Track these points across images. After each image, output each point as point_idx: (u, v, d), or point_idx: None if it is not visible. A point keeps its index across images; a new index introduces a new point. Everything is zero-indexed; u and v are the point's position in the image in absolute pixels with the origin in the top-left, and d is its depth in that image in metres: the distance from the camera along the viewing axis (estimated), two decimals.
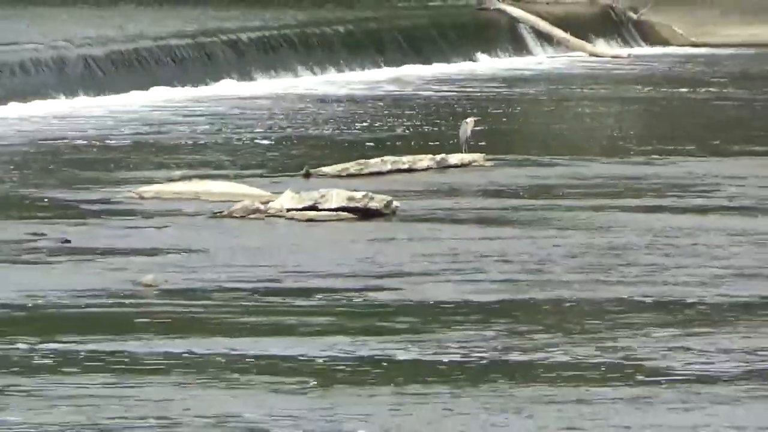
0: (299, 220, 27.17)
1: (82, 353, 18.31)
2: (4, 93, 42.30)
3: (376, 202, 27.47)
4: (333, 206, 27.45)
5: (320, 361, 17.84)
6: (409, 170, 31.86)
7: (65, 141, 37.31)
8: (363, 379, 17.24)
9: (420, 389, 16.44)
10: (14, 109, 41.24)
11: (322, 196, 27.84)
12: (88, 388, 16.46)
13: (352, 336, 19.32)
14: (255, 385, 16.61)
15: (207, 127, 40.48)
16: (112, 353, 18.27)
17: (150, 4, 69.57)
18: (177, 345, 18.79)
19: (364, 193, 28.06)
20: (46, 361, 17.83)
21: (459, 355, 18.28)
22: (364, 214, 27.26)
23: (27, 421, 14.35)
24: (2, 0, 73.72)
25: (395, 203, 27.57)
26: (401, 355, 18.33)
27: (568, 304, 21.36)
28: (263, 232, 26.56)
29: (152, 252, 24.56)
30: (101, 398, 15.89)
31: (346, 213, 27.27)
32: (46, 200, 30.06)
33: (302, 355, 18.26)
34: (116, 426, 14.72)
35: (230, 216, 27.55)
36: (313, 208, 27.38)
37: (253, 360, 17.99)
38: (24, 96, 42.15)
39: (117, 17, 61.35)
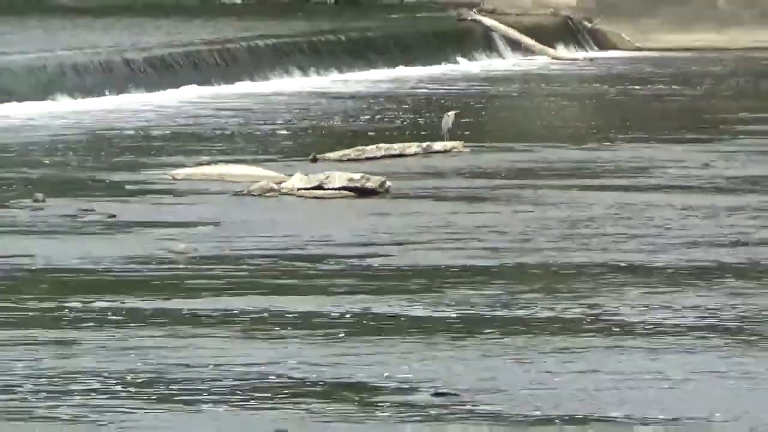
0: (307, 198, 27.36)
1: (144, 310, 18.55)
2: (65, 90, 42.41)
3: (372, 183, 27.63)
4: (336, 186, 27.66)
5: (348, 316, 18.16)
6: (400, 155, 32.14)
7: (113, 131, 37.47)
8: (382, 331, 17.59)
9: (428, 339, 16.90)
10: (72, 105, 41.37)
11: (327, 177, 28.05)
12: (151, 339, 16.89)
13: (369, 294, 19.51)
14: (293, 338, 16.99)
15: (229, 120, 40.70)
16: (166, 310, 18.53)
17: (181, 16, 69.16)
18: (221, 303, 19.02)
19: (361, 174, 28.25)
20: (114, 317, 18.06)
21: (459, 311, 18.56)
22: (362, 192, 27.45)
23: (101, 368, 14.90)
24: (52, 11, 74.13)
25: (388, 183, 27.78)
26: (411, 312, 18.55)
27: (550, 268, 21.56)
28: (277, 208, 26.69)
29: (184, 224, 24.73)
30: (164, 348, 16.25)
31: (346, 191, 27.48)
32: (97, 181, 30.07)
33: (330, 312, 18.45)
34: (180, 371, 15.28)
35: (249, 194, 27.78)
36: (319, 187, 27.59)
37: (290, 316, 18.24)
38: (81, 93, 42.40)
39: (153, 27, 61.47)
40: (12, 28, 61.52)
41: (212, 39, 53.95)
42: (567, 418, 12.87)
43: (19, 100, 41.20)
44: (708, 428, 13.19)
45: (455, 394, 13.80)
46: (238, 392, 14.18)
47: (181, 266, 21.59)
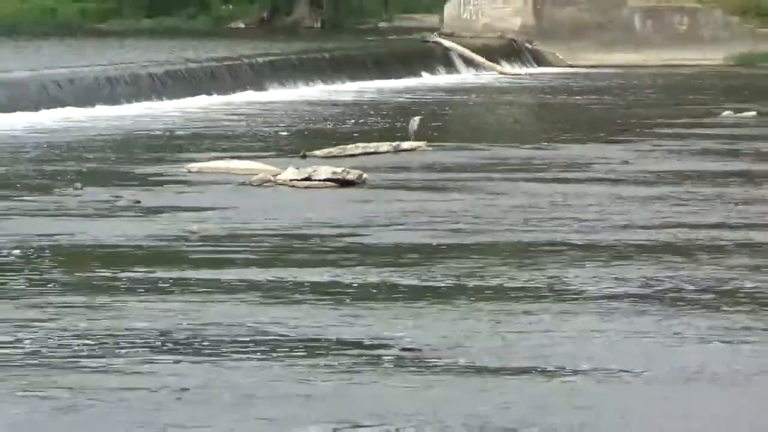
0: (298, 187, 27.51)
1: (178, 279, 18.63)
2: (101, 99, 42.52)
3: (352, 175, 27.78)
4: (321, 177, 27.72)
5: (354, 285, 18.17)
6: (374, 153, 32.39)
7: (141, 133, 37.68)
8: (377, 297, 17.59)
9: (415, 304, 16.96)
10: (108, 110, 41.40)
11: (314, 171, 28.19)
12: (187, 303, 17.03)
13: (363, 266, 19.57)
14: (307, 301, 17.15)
15: (236, 123, 41.00)
16: (197, 279, 18.60)
17: (195, 38, 69.11)
18: (237, 274, 19.05)
19: (343, 168, 28.40)
20: (151, 284, 18.11)
21: (439, 280, 18.63)
22: (343, 183, 27.59)
23: (150, 326, 15.23)
24: (90, 33, 74.21)
25: (365, 175, 27.91)
26: (401, 281, 18.60)
27: (510, 245, 21.68)
28: (274, 196, 26.83)
29: (196, 209, 24.78)
30: (198, 311, 16.43)
31: (330, 183, 27.60)
32: (127, 173, 30.32)
33: (337, 281, 18.51)
34: (220, 327, 15.59)
35: (250, 184, 27.94)
36: (307, 179, 27.73)
37: (302, 285, 18.26)
38: (113, 101, 42.57)
39: (172, 47, 61.68)
40: (57, 47, 61.85)
41: (222, 56, 54.42)
42: (519, 369, 13.15)
43: (63, 106, 41.15)
44: (639, 376, 13.19)
45: (431, 349, 14.00)
46: (261, 346, 14.52)
47: (196, 243, 21.55)
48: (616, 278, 19.02)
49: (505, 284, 18.41)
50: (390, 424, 11.85)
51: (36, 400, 12.63)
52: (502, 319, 16.40)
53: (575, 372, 13.37)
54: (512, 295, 17.79)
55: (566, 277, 18.99)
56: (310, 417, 11.76)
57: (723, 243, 21.32)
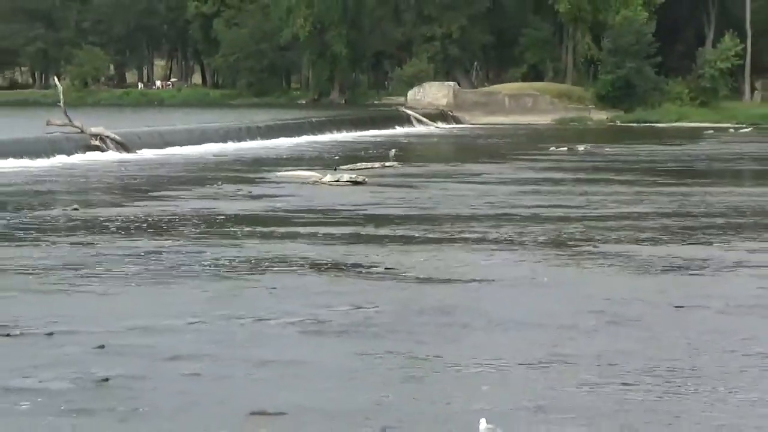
0: (332, 185, 26.83)
1: (269, 231, 18.60)
2: (234, 138, 41.86)
3: (360, 179, 27.31)
4: (344, 180, 27.31)
5: (357, 234, 18.29)
6: (371, 167, 31.49)
7: (252, 156, 36.72)
8: (375, 241, 17.48)
9: (397, 245, 17.09)
10: (237, 145, 41.15)
11: (340, 176, 27.76)
12: (274, 244, 17.08)
13: (368, 225, 19.35)
14: (339, 243, 17.34)
15: (301, 152, 40.23)
16: (277, 231, 18.61)
17: (275, 108, 67.52)
18: (301, 229, 18.92)
19: (355, 175, 27.99)
20: (254, 234, 18.21)
21: (410, 232, 18.50)
22: (355, 183, 26.97)
23: (257, 254, 15.72)
24: (225, 107, 74.89)
25: (366, 179, 27.40)
26: (389, 233, 18.49)
27: (444, 214, 21.25)
28: (319, 189, 26.25)
29: (278, 197, 24.29)
30: (281, 247, 16.66)
31: (349, 183, 26.97)
32: (250, 177, 29.58)
33: (348, 231, 18.54)
34: (274, 258, 15.57)
35: (306, 183, 27.45)
36: (337, 181, 27.22)
37: (335, 235, 18.16)
38: (240, 139, 42.27)
39: (266, 112, 61.23)
40: (213, 114, 61.57)
41: (294, 117, 53.44)
42: (439, 279, 13.72)
43: (221, 141, 40.87)
44: (494, 283, 13.62)
45: (398, 268, 14.48)
46: (299, 265, 14.82)
47: (277, 214, 21.37)
48: (494, 229, 18.93)
49: (441, 235, 18.23)
50: (369, 302, 12.33)
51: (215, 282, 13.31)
52: (437, 250, 16.59)
53: (472, 281, 13.69)
54: (445, 239, 17.77)
55: (470, 230, 18.98)
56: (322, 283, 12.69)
57: (545, 213, 20.90)
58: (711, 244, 16.68)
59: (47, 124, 34.86)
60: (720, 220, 19.80)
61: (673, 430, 7.31)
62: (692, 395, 8.22)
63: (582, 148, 39.74)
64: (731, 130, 52.44)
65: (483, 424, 6.87)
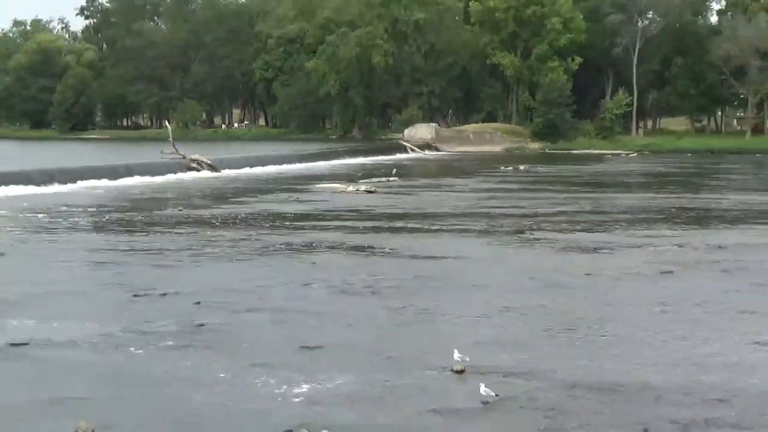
0: (354, 194, 25.95)
1: (311, 225, 17.96)
2: (277, 162, 39.85)
3: (372, 189, 26.56)
4: (362, 189, 26.49)
5: (374, 227, 17.68)
6: (378, 181, 30.28)
7: (295, 174, 35.32)
8: (382, 230, 17.00)
9: (395, 233, 16.54)
10: (292, 167, 39.38)
11: (359, 187, 26.98)
12: (314, 234, 16.46)
13: (377, 221, 18.73)
14: (358, 232, 16.68)
15: (332, 171, 38.28)
16: (319, 225, 18.00)
17: (316, 141, 64.16)
18: (333, 224, 18.21)
19: (369, 186, 27.26)
20: (300, 227, 17.64)
21: (408, 224, 17.96)
22: (368, 192, 26.07)
23: (301, 241, 15.22)
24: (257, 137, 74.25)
25: (376, 189, 26.61)
26: (391, 225, 18.03)
27: (430, 213, 20.52)
28: (345, 196, 25.31)
29: (316, 201, 23.51)
30: (319, 236, 15.95)
31: (365, 192, 26.12)
32: (294, 187, 28.33)
33: (370, 225, 17.94)
34: (326, 241, 15.18)
35: (336, 192, 26.31)
36: (357, 190, 26.39)
37: (357, 228, 17.50)
38: (280, 163, 39.89)
39: (308, 145, 58.61)
40: (253, 144, 60.11)
41: (326, 148, 51.71)
42: (421, 256, 13.34)
43: (273, 164, 39.06)
44: (462, 259, 13.32)
45: (398, 249, 14.05)
46: (331, 247, 14.46)
47: (320, 213, 20.68)
48: (465, 222, 18.60)
49: (428, 227, 17.86)
50: (379, 272, 12.13)
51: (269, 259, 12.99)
52: (424, 237, 16.31)
53: (448, 257, 13.46)
54: (431, 229, 17.39)
55: (448, 223, 18.62)
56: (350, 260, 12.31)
57: (500, 211, 20.59)
58: (614, 231, 16.63)
59: (161, 153, 35.10)
60: (621, 216, 19.65)
61: (581, 346, 7.86)
62: (595, 328, 8.74)
63: (522, 168, 38.75)
64: (623, 155, 52.23)
65: (456, 353, 7.03)
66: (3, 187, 24.03)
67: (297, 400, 6.14)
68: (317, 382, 6.56)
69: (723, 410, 5.94)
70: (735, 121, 65.60)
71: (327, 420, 5.60)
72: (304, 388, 6.42)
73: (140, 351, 7.68)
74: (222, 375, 6.80)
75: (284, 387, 6.44)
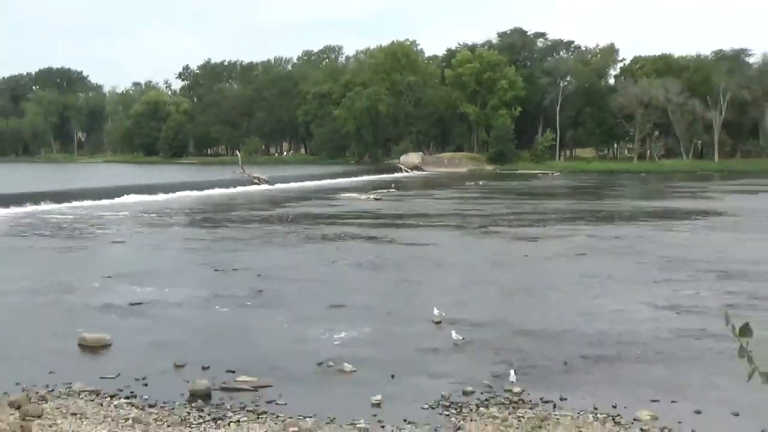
0: (366, 200, 24.99)
1: (341, 223, 17.13)
2: (313, 178, 37.40)
3: (378, 197, 25.61)
4: (371, 197, 25.50)
5: (382, 223, 16.97)
6: (383, 192, 29.14)
7: (326, 188, 33.19)
8: (385, 224, 16.38)
9: (396, 229, 15.87)
10: (316, 183, 36.36)
11: (369, 196, 25.99)
12: (341, 227, 15.81)
13: (383, 219, 18.07)
14: (366, 226, 16.07)
15: (351, 185, 35.91)
16: (348, 221, 17.25)
17: (337, 165, 61.12)
18: (353, 222, 17.46)
19: (376, 195, 26.40)
20: (331, 224, 17.03)
21: (405, 223, 17.21)
22: (376, 199, 25.11)
23: (332, 232, 14.48)
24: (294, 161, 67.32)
25: (381, 197, 25.68)
26: (393, 222, 17.34)
27: (419, 213, 19.92)
28: (359, 202, 24.47)
29: (340, 206, 22.78)
30: (343, 229, 15.30)
31: (373, 199, 25.09)
32: (325, 197, 26.80)
33: (378, 222, 17.35)
34: (347, 233, 14.63)
35: (353, 199, 25.26)
36: (368, 198, 25.35)
37: (369, 225, 16.83)
38: (317, 180, 36.99)
39: (331, 168, 54.46)
40: (296, 167, 55.32)
41: (346, 169, 49.27)
42: (413, 243, 12.45)
43: (301, 182, 36.10)
44: (441, 246, 12.87)
45: (396, 238, 13.49)
46: (351, 237, 13.90)
47: (342, 212, 19.94)
48: (443, 220, 18.10)
49: (416, 222, 17.49)
50: (383, 254, 11.77)
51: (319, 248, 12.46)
52: (414, 230, 15.75)
53: (430, 244, 13.21)
54: (419, 225, 16.96)
55: (431, 220, 18.05)
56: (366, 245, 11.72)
57: (468, 213, 20.09)
58: (545, 227, 16.57)
59: (233, 172, 35.25)
60: (550, 216, 19.53)
61: (521, 305, 7.89)
62: (531, 292, 8.81)
63: (481, 183, 38.11)
64: (550, 174, 51.29)
65: (435, 310, 7.30)
66: (125, 196, 24.58)
67: (335, 343, 6.24)
68: (343, 331, 6.63)
69: (627, 350, 5.91)
70: (626, 150, 66.17)
71: (353, 355, 5.71)
72: (338, 334, 6.51)
73: (224, 309, 7.80)
74: (285, 325, 6.99)
75: (324, 333, 6.52)
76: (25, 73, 80.00)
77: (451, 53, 64.65)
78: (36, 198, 20.84)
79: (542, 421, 4.13)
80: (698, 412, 4.39)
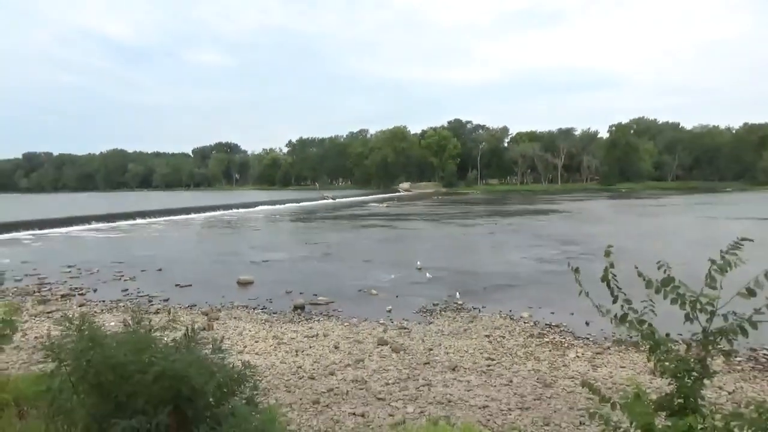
0: (381, 207, 24.22)
1: (375, 220, 16.93)
2: (355, 195, 36.01)
3: (387, 205, 24.64)
4: (384, 206, 24.55)
5: (392, 221, 16.57)
6: (390, 203, 27.36)
7: (361, 202, 31.12)
8: (392, 221, 16.16)
9: (399, 225, 15.54)
10: (356, 198, 34.66)
11: (383, 204, 25.13)
12: (369, 219, 16.07)
13: (392, 219, 17.60)
14: (376, 225, 15.66)
15: (373, 200, 33.78)
16: (378, 218, 17.09)
17: (366, 189, 53.88)
18: (378, 220, 17.10)
19: (387, 204, 25.60)
20: (369, 222, 16.52)
21: (411, 223, 16.52)
22: (387, 207, 24.12)
23: (361, 229, 14.06)
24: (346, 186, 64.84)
25: (390, 206, 24.78)
26: (398, 220, 17.00)
27: (414, 214, 19.55)
28: (379, 209, 23.86)
29: (368, 210, 22.41)
30: (366, 222, 15.50)
31: (386, 206, 24.33)
32: (361, 207, 26.31)
33: (389, 220, 16.97)
34: (373, 225, 14.76)
35: (375, 207, 24.46)
36: (382, 206, 24.40)
37: (383, 225, 16.23)
38: (356, 197, 34.89)
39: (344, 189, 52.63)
40: (345, 190, 50.09)
41: (370, 191, 46.05)
42: (408, 229, 12.70)
43: (349, 197, 35.20)
44: (424, 230, 13.10)
45: (398, 227, 13.58)
46: (374, 227, 14.03)
47: (368, 213, 19.29)
48: (425, 218, 17.81)
49: (409, 219, 17.29)
50: (390, 235, 12.20)
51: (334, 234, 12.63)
52: (410, 222, 15.80)
53: (420, 229, 13.22)
54: (412, 220, 16.80)
55: (418, 218, 17.87)
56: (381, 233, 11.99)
57: (439, 214, 19.76)
58: (475, 219, 16.73)
59: (317, 193, 36.18)
60: (478, 214, 19.29)
61: (463, 258, 9.29)
62: (468, 252, 9.77)
63: (440, 198, 35.82)
64: (477, 193, 49.69)
65: (418, 262, 8.48)
66: (259, 206, 27.53)
67: (367, 279, 7.55)
68: (371, 273, 8.04)
69: (515, 280, 7.34)
70: (514, 180, 70.55)
71: (376, 285, 7.10)
72: (369, 273, 7.91)
73: (310, 263, 9.05)
74: (341, 271, 8.22)
75: (361, 274, 7.87)
76: (207, 145, 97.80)
77: (423, 132, 73.12)
78: (218, 207, 25.57)
79: (474, 318, 5.57)
80: (552, 313, 5.70)
